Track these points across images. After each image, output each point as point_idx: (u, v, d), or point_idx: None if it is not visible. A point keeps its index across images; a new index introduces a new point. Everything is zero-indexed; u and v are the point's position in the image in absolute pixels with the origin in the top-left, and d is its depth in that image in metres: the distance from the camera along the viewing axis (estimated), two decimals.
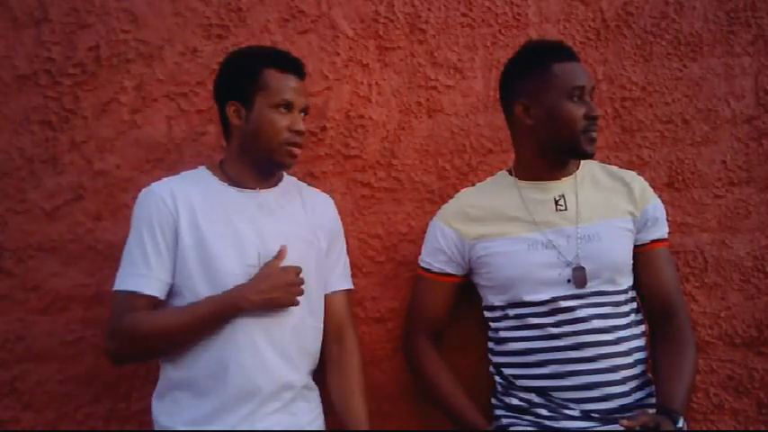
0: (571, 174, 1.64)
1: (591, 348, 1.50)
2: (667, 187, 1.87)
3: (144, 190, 1.56)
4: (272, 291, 1.47)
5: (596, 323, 1.52)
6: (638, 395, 1.52)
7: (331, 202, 1.74)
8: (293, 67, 1.58)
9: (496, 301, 1.61)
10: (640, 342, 1.57)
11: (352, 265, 1.78)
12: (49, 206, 1.81)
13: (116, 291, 1.50)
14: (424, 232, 1.73)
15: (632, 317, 1.58)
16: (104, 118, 1.84)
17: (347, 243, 1.76)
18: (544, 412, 1.52)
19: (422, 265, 1.70)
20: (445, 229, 1.65)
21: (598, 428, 1.48)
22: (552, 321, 1.53)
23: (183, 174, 1.62)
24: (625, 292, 1.58)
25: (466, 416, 1.61)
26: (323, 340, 1.63)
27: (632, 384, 1.52)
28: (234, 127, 1.57)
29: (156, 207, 1.50)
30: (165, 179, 1.59)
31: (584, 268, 1.54)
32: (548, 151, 1.60)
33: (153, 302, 1.48)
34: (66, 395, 1.77)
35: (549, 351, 1.53)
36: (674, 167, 1.88)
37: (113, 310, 1.50)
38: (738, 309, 1.84)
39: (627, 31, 1.93)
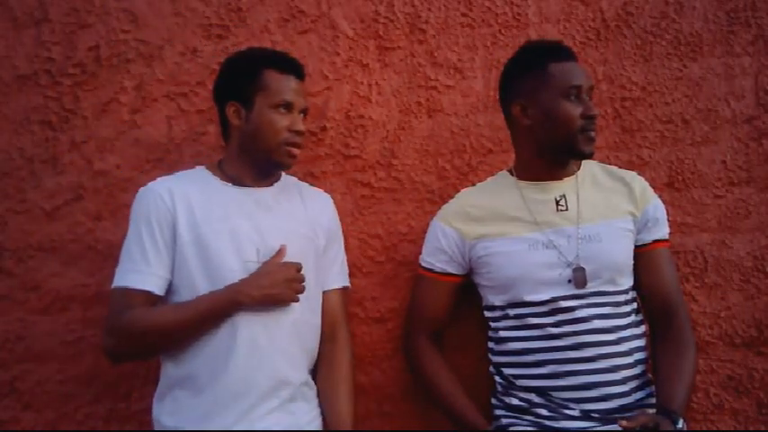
0: (572, 174, 1.64)
1: (591, 348, 1.50)
2: (667, 187, 1.87)
3: (142, 188, 1.56)
4: (272, 287, 1.47)
5: (597, 323, 1.52)
6: (639, 395, 1.52)
7: (330, 200, 1.74)
8: (293, 68, 1.59)
9: (497, 300, 1.61)
10: (641, 342, 1.57)
11: (352, 265, 1.78)
12: (49, 206, 1.81)
13: (114, 287, 1.50)
14: (424, 232, 1.73)
15: (633, 317, 1.58)
16: (104, 118, 1.84)
17: (347, 243, 1.77)
18: (544, 412, 1.52)
19: (423, 265, 1.70)
20: (446, 228, 1.65)
21: (598, 428, 1.48)
22: (552, 321, 1.53)
23: (182, 173, 1.62)
24: (625, 292, 1.58)
25: (466, 416, 1.61)
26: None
27: (632, 384, 1.52)
28: (233, 127, 1.57)
29: (154, 204, 1.51)
30: (163, 177, 1.59)
31: (584, 269, 1.54)
32: (546, 151, 1.60)
33: (151, 298, 1.48)
34: (66, 395, 1.77)
35: (548, 351, 1.53)
36: (674, 167, 1.88)
37: (111, 307, 1.49)
38: (738, 309, 1.84)
39: (627, 31, 1.93)
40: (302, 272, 1.52)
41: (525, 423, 1.54)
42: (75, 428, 1.76)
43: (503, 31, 1.92)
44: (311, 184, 1.77)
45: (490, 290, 1.63)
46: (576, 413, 1.50)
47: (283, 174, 1.68)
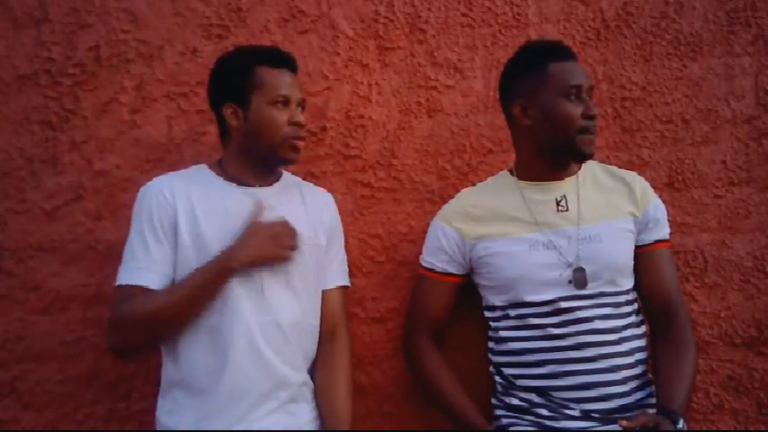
0: (573, 174, 1.64)
1: (592, 348, 1.50)
2: (667, 187, 1.87)
3: (143, 186, 1.56)
4: (260, 247, 1.46)
5: (597, 324, 1.52)
6: (639, 395, 1.52)
7: (331, 199, 1.74)
8: (285, 61, 1.58)
9: (497, 301, 1.61)
10: (641, 342, 1.57)
11: (352, 265, 1.78)
12: (49, 206, 1.81)
13: (117, 285, 1.49)
14: (425, 232, 1.73)
15: (633, 317, 1.58)
16: (104, 118, 1.84)
17: (347, 243, 1.76)
18: (544, 412, 1.52)
19: (424, 264, 1.70)
20: (447, 228, 1.65)
21: (598, 428, 1.48)
22: (553, 322, 1.53)
23: (183, 171, 1.62)
24: (626, 293, 1.58)
25: (466, 416, 1.61)
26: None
27: (633, 384, 1.52)
28: (232, 128, 1.57)
29: (156, 202, 1.51)
30: (165, 175, 1.59)
31: (584, 269, 1.54)
32: (546, 151, 1.60)
33: None
34: (66, 395, 1.77)
35: (549, 351, 1.53)
36: (674, 167, 1.88)
37: (114, 305, 1.49)
38: (738, 309, 1.84)
39: (627, 31, 1.93)
40: (290, 228, 1.49)
41: (525, 423, 1.54)
42: (75, 428, 1.76)
43: (503, 31, 1.92)
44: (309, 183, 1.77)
45: (490, 290, 1.63)
46: (576, 413, 1.50)
47: (284, 173, 1.68)
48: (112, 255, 1.75)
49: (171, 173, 1.61)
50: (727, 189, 1.88)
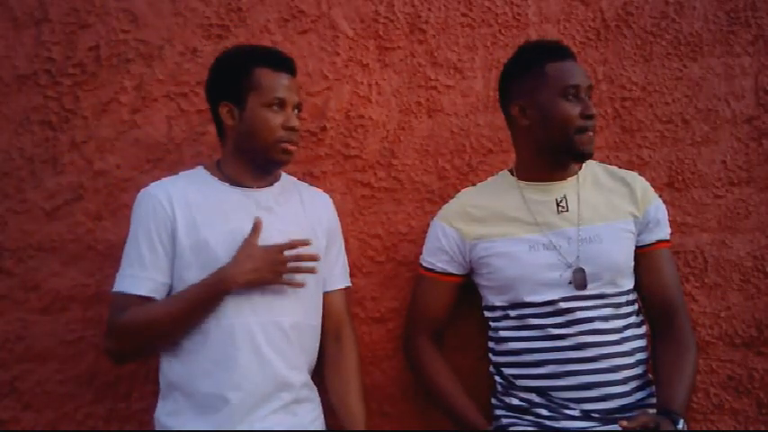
0: (573, 174, 1.64)
1: (593, 348, 1.50)
2: (667, 187, 1.87)
3: (141, 192, 1.56)
4: (256, 271, 1.46)
5: (598, 324, 1.52)
6: (640, 395, 1.52)
7: (329, 200, 1.74)
8: (284, 64, 1.58)
9: (497, 301, 1.61)
10: (642, 342, 1.57)
11: (352, 265, 1.78)
12: (49, 206, 1.81)
13: (114, 292, 1.52)
14: (424, 232, 1.73)
15: (633, 318, 1.58)
16: (104, 118, 1.84)
17: (347, 243, 1.77)
18: (544, 412, 1.52)
19: (424, 264, 1.70)
20: (447, 228, 1.65)
21: (598, 428, 1.48)
22: (553, 322, 1.53)
23: (181, 174, 1.62)
24: (626, 293, 1.58)
25: (466, 416, 1.61)
26: (321, 339, 1.63)
27: (633, 384, 1.52)
28: (228, 127, 1.57)
29: (152, 210, 1.51)
30: (163, 180, 1.59)
31: (584, 270, 1.54)
32: (545, 151, 1.60)
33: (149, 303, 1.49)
34: (66, 395, 1.77)
35: (549, 351, 1.53)
36: (674, 167, 1.88)
37: (110, 312, 1.51)
38: (738, 309, 1.84)
39: (627, 31, 1.93)
40: (288, 252, 1.49)
41: (525, 423, 1.54)
42: (75, 428, 1.76)
43: (503, 31, 1.92)
44: (311, 184, 1.77)
45: (490, 290, 1.63)
46: (576, 413, 1.49)
47: (283, 174, 1.68)
48: (112, 255, 1.75)
49: (169, 177, 1.61)
50: (727, 189, 1.88)
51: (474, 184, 1.77)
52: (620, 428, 1.33)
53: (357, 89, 1.89)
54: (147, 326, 1.46)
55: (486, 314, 1.66)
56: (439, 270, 1.67)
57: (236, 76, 1.54)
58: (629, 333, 1.54)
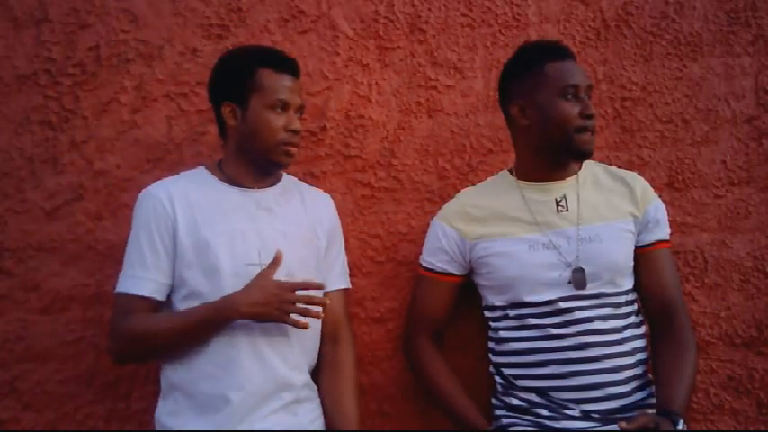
0: (573, 174, 1.64)
1: (595, 348, 1.50)
2: (667, 187, 1.87)
3: (143, 192, 1.56)
4: (263, 305, 1.42)
5: (598, 324, 1.52)
6: (640, 395, 1.52)
7: (330, 200, 1.74)
8: (288, 65, 1.57)
9: (497, 301, 1.61)
10: (642, 342, 1.57)
11: (352, 265, 1.78)
12: (49, 206, 1.81)
13: (116, 292, 1.52)
14: (424, 232, 1.73)
15: (633, 318, 1.58)
16: (104, 118, 1.84)
17: (347, 243, 1.76)
18: (544, 412, 1.52)
19: (424, 264, 1.70)
20: (447, 228, 1.65)
21: (598, 428, 1.48)
22: (552, 322, 1.53)
23: (182, 174, 1.62)
24: (626, 293, 1.58)
25: (466, 416, 1.61)
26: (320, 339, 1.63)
27: (634, 384, 1.52)
28: (230, 128, 1.57)
29: (153, 210, 1.51)
30: (164, 180, 1.59)
31: (583, 270, 1.54)
32: (545, 151, 1.60)
33: (151, 304, 1.49)
34: (66, 395, 1.77)
35: (549, 351, 1.53)
36: (674, 167, 1.88)
37: (113, 312, 1.52)
38: (738, 309, 1.84)
39: (627, 31, 1.93)
40: (301, 293, 1.44)
41: (525, 423, 1.54)
42: (75, 428, 1.76)
43: (503, 31, 1.92)
44: (311, 185, 1.77)
45: (490, 290, 1.63)
46: (576, 413, 1.50)
47: (284, 174, 1.68)
48: (112, 255, 1.75)
49: (170, 177, 1.61)
50: (727, 189, 1.88)
51: (474, 184, 1.77)
52: (619, 429, 1.34)
53: (357, 89, 1.89)
54: (148, 338, 1.46)
55: (486, 314, 1.66)
56: (439, 270, 1.67)
57: (239, 76, 1.54)
58: (628, 333, 1.54)
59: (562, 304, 1.53)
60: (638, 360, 1.54)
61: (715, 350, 1.83)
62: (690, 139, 1.90)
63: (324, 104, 1.88)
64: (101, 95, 1.84)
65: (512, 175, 1.69)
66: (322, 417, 1.59)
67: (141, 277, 1.49)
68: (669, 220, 1.67)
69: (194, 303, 1.48)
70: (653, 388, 1.55)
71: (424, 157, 1.89)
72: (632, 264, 1.60)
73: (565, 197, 1.61)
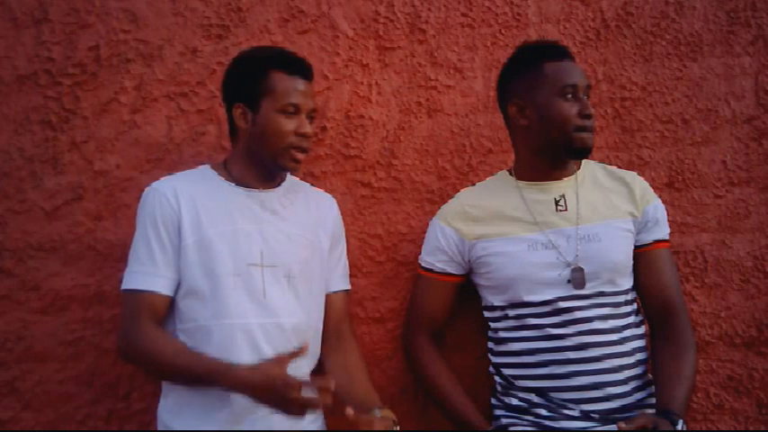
0: (572, 174, 1.64)
1: (595, 349, 1.50)
2: (667, 187, 1.87)
3: (148, 188, 1.56)
4: (266, 398, 1.34)
5: (597, 324, 1.52)
6: (640, 395, 1.53)
7: (334, 202, 1.73)
8: (300, 69, 1.56)
9: (496, 301, 1.61)
10: (642, 342, 1.57)
11: (352, 265, 1.78)
12: (49, 206, 1.81)
13: (124, 290, 1.50)
14: (424, 232, 1.73)
15: (632, 318, 1.58)
16: (104, 118, 1.84)
17: (347, 243, 1.76)
18: (544, 412, 1.52)
19: (423, 264, 1.70)
20: (446, 228, 1.66)
21: (598, 428, 1.48)
22: (552, 322, 1.53)
23: (187, 172, 1.62)
24: (625, 293, 1.58)
25: (466, 415, 1.61)
26: (321, 340, 1.63)
27: (634, 384, 1.52)
28: (240, 129, 1.56)
29: (159, 205, 1.51)
30: (169, 177, 1.59)
31: (582, 269, 1.54)
32: (544, 151, 1.60)
33: (161, 299, 1.48)
34: (66, 395, 1.77)
35: (548, 351, 1.53)
36: (674, 167, 1.88)
37: (124, 310, 1.51)
38: (738, 309, 1.84)
39: (627, 31, 1.93)
40: (304, 393, 1.32)
41: (525, 423, 1.54)
42: (75, 428, 1.76)
43: (503, 31, 1.92)
44: (311, 185, 1.77)
45: (490, 290, 1.63)
46: (575, 413, 1.50)
47: (288, 175, 1.67)
48: (112, 255, 1.75)
49: (175, 174, 1.61)
50: (727, 189, 1.88)
51: (474, 184, 1.77)
52: (618, 429, 1.34)
53: (357, 89, 1.89)
54: (152, 362, 1.45)
55: (486, 314, 1.66)
56: (438, 270, 1.67)
57: (251, 78, 1.53)
58: (628, 333, 1.54)
59: (561, 304, 1.53)
60: (637, 360, 1.54)
61: (715, 350, 1.83)
62: (690, 139, 1.90)
63: (324, 104, 1.88)
64: (101, 95, 1.84)
65: (511, 174, 1.69)
66: (322, 417, 1.59)
67: (151, 273, 1.48)
68: (669, 220, 1.67)
69: (194, 302, 1.48)
70: (653, 388, 1.55)
71: (424, 157, 1.89)
72: (631, 263, 1.60)
73: (564, 197, 1.61)
